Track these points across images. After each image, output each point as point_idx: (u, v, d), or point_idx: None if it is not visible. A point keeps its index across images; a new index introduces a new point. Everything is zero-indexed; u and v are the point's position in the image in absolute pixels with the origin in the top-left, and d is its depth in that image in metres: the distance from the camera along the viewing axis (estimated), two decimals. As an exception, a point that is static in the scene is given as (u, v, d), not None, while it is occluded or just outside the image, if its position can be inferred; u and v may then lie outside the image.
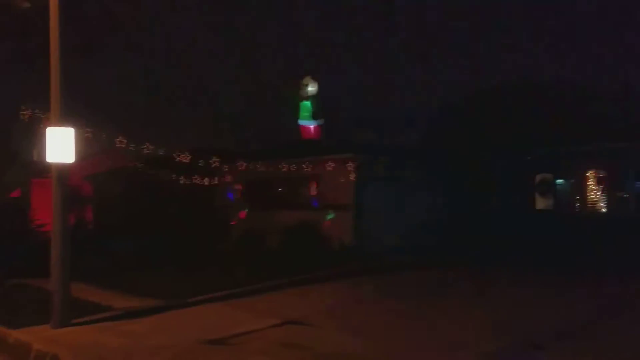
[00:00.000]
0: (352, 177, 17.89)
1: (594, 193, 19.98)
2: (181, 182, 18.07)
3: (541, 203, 21.87)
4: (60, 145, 7.96)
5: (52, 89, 8.04)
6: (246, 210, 20.93)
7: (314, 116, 20.77)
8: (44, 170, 15.32)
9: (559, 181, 20.26)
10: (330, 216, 18.29)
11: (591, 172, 19.88)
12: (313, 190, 19.10)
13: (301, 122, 20.96)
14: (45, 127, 8.15)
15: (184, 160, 13.87)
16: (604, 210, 19.72)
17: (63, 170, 8.08)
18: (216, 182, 21.14)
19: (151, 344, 7.20)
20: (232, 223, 20.94)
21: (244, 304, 9.92)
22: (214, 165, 15.03)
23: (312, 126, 20.86)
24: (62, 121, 8.03)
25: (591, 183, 19.98)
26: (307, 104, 20.77)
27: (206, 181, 19.57)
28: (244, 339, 7.44)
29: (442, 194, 21.52)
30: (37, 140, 11.30)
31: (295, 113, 21.05)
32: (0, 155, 11.43)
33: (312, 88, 20.64)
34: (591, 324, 8.48)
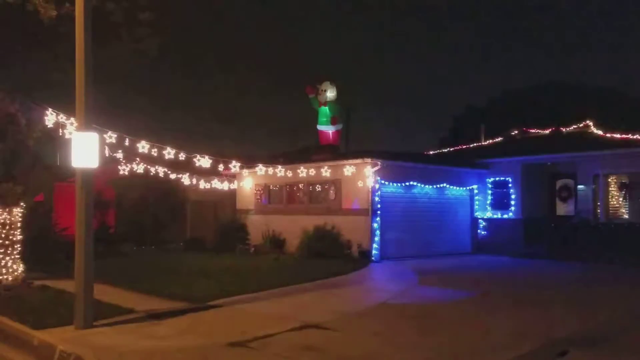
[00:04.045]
0: (370, 182, 17.90)
1: (616, 199, 19.74)
2: (201, 187, 18.28)
3: (562, 209, 21.72)
4: (84, 150, 8.09)
5: (77, 95, 8.18)
6: (266, 215, 21.02)
7: (332, 121, 20.79)
8: (68, 174, 15.60)
9: (580, 187, 20.04)
10: (348, 221, 18.28)
11: (612, 177, 19.65)
12: (332, 195, 19.15)
13: (320, 127, 20.99)
14: (70, 132, 8.31)
15: (204, 165, 14.01)
16: (626, 216, 19.47)
17: (87, 175, 8.20)
18: (236, 186, 21.34)
19: (172, 346, 7.28)
20: (250, 227, 21.04)
21: (265, 306, 9.98)
22: (234, 169, 15.14)
23: (330, 131, 20.88)
24: (87, 126, 8.17)
25: (612, 189, 19.75)
26: (325, 109, 20.79)
27: (226, 185, 19.78)
28: (265, 342, 7.49)
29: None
30: (61, 145, 11.49)
31: (315, 118, 21.10)
32: (24, 159, 11.61)
33: (330, 93, 20.64)
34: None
